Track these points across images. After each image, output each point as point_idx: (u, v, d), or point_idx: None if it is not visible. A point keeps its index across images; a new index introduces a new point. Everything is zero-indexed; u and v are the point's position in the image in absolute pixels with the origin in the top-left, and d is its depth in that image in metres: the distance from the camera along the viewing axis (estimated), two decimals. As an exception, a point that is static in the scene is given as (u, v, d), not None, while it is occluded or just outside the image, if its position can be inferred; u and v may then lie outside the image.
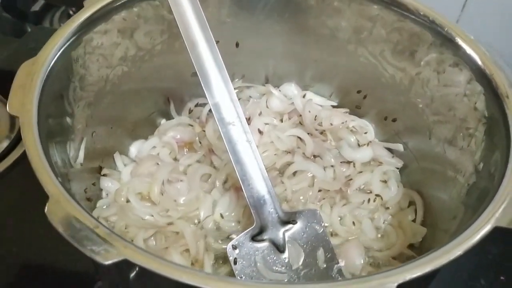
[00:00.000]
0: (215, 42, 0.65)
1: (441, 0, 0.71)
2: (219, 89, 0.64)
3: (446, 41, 0.68)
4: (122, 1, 0.67)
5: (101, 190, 0.75)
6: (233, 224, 0.74)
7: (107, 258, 0.39)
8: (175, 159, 0.81)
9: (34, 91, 0.54)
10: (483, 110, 0.63)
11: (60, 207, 0.43)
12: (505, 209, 0.48)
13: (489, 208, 0.50)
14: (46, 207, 0.43)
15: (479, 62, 0.63)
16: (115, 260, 0.39)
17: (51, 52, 0.58)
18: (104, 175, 0.76)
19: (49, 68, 0.57)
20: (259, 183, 0.65)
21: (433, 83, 0.72)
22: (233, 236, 0.71)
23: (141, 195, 0.75)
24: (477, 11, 0.99)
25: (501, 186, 0.53)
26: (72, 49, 0.62)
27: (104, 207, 0.74)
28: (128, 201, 0.73)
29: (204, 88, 0.64)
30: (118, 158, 0.80)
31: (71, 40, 0.62)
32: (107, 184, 0.75)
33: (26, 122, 0.51)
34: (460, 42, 0.66)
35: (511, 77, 0.61)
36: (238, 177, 0.65)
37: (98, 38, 0.66)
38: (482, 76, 0.63)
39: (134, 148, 0.83)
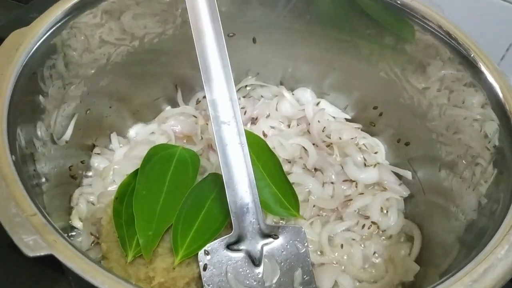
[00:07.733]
0: (223, 36, 0.61)
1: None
2: (219, 85, 0.61)
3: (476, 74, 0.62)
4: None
5: (90, 168, 0.74)
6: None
7: (34, 250, 0.37)
8: (172, 149, 0.79)
9: (16, 62, 0.52)
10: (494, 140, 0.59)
11: (5, 187, 0.41)
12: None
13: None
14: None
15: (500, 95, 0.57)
16: (41, 253, 0.37)
17: (45, 25, 0.56)
18: (96, 153, 0.75)
19: (40, 41, 0.55)
20: (244, 190, 0.61)
21: (450, 110, 0.66)
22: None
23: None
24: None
25: (501, 226, 0.49)
26: (70, 25, 0.60)
27: (90, 185, 0.72)
28: (113, 181, 0.72)
29: (203, 82, 0.61)
30: (115, 139, 0.78)
31: (71, 15, 0.60)
32: (97, 163, 0.74)
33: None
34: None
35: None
36: (224, 180, 0.61)
37: (99, 16, 0.63)
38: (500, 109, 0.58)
39: (134, 131, 0.81)
